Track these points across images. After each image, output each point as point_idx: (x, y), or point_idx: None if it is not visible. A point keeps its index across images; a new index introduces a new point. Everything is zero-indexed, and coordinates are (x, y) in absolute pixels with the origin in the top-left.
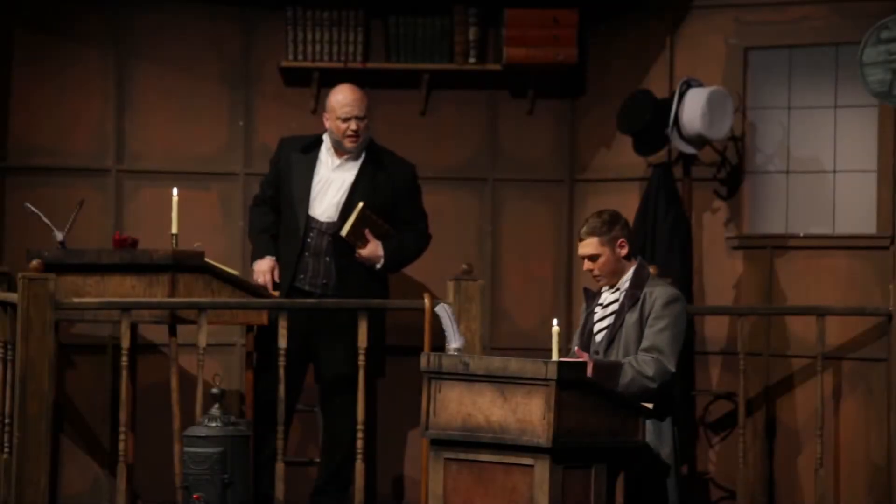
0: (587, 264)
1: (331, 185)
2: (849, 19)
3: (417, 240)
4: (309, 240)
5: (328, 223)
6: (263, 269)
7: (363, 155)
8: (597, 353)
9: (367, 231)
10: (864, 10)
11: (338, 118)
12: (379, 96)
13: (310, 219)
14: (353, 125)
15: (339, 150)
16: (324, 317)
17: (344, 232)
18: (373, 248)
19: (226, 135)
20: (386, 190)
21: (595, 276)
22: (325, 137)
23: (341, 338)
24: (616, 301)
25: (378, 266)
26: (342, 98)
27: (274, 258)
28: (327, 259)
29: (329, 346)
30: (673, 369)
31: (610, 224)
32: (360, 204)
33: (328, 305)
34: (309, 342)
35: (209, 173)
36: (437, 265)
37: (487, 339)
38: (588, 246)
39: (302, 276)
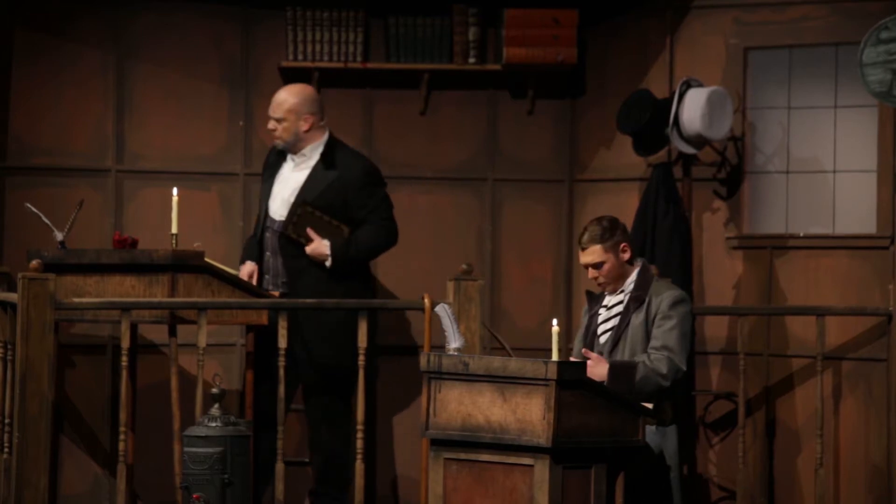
0: (591, 272)
1: (287, 184)
2: (849, 19)
3: (375, 233)
4: (265, 238)
5: (279, 221)
6: (242, 275)
7: (318, 155)
8: (601, 353)
9: (309, 230)
10: (864, 10)
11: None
12: (379, 96)
13: (268, 218)
14: (269, 125)
15: (294, 151)
16: (295, 319)
17: (286, 229)
18: (315, 246)
19: (226, 135)
20: (336, 188)
21: (600, 284)
22: None
23: (316, 340)
24: (620, 303)
25: (327, 264)
26: (273, 98)
27: (255, 263)
28: (280, 257)
29: (304, 347)
30: (684, 368)
31: (611, 230)
32: (301, 202)
33: (328, 305)
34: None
35: (209, 173)
36: (437, 265)
37: (487, 339)
38: (591, 254)
39: (267, 276)
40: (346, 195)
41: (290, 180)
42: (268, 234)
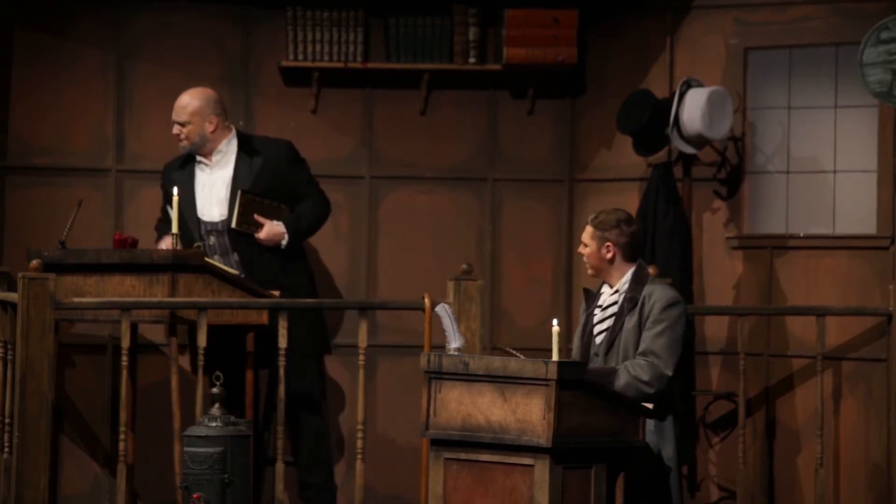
0: (580, 246)
1: (213, 185)
2: (849, 19)
3: (316, 205)
4: (210, 243)
5: (222, 221)
6: (165, 245)
7: (235, 148)
8: (597, 354)
9: (256, 216)
10: (864, 10)
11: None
12: (379, 96)
13: (204, 224)
14: (174, 129)
15: (203, 153)
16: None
17: (233, 223)
18: (269, 228)
19: None
20: (266, 172)
21: (584, 260)
22: None
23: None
24: (615, 303)
25: (284, 242)
26: (175, 103)
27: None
28: (235, 255)
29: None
30: (670, 373)
31: (611, 225)
32: (239, 192)
33: (328, 305)
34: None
35: None
36: (437, 265)
37: (487, 339)
38: (585, 231)
39: None
40: (278, 176)
41: (215, 181)
42: (212, 239)
